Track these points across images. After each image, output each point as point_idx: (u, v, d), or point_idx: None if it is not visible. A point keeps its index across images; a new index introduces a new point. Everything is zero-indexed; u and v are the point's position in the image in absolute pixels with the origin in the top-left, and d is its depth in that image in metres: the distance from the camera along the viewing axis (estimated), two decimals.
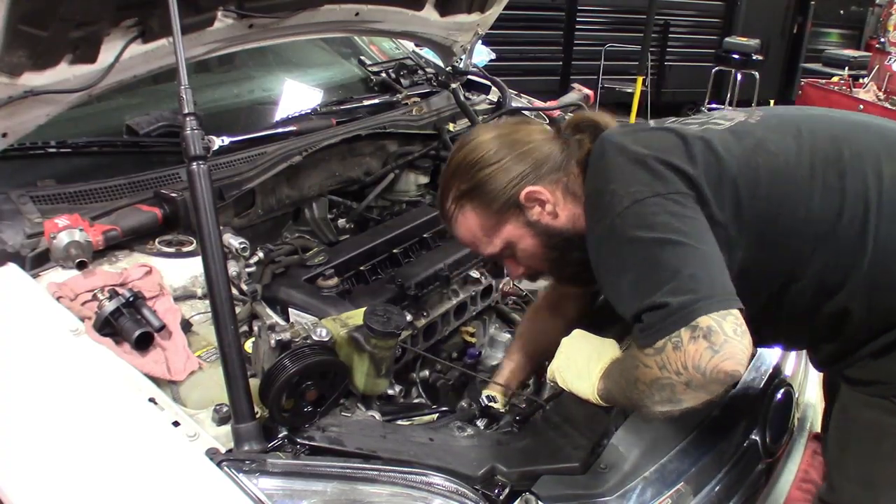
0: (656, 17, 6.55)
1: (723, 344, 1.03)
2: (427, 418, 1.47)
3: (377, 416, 1.37)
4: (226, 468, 1.07)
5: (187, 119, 1.23)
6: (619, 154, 1.23)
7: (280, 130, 2.01)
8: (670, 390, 1.09)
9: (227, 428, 1.16)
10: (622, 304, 1.16)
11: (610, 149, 1.26)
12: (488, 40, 3.70)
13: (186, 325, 1.40)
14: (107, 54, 1.53)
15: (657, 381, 1.10)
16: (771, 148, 1.24)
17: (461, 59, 2.54)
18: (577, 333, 1.41)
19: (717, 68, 6.87)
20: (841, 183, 1.20)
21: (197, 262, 1.49)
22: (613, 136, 1.30)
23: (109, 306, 1.30)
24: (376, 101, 2.33)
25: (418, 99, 2.38)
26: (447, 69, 2.55)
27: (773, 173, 1.21)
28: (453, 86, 2.39)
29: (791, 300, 1.25)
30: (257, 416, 1.15)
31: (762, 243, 1.21)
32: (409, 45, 2.76)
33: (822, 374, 1.65)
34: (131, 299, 1.32)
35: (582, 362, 1.34)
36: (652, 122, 1.38)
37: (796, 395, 1.76)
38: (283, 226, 1.96)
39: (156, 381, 1.24)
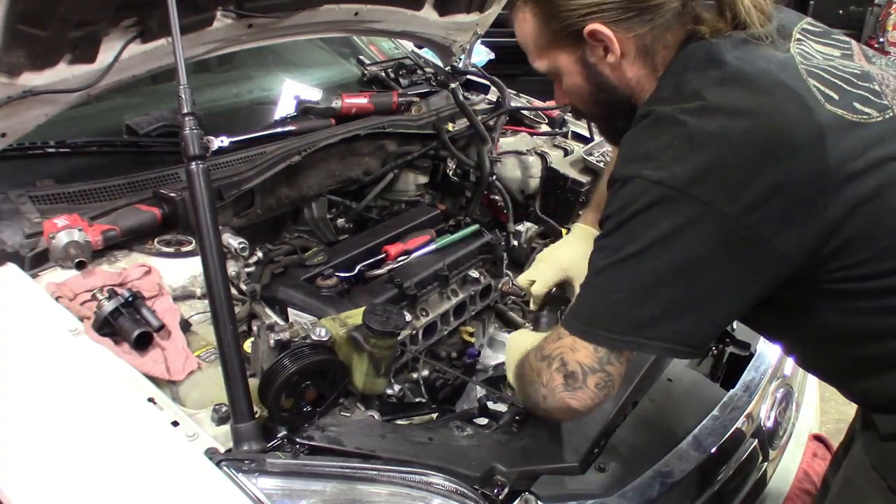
0: None
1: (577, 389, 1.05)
2: (426, 418, 1.47)
3: (376, 415, 1.37)
4: (225, 468, 1.07)
5: (186, 119, 1.23)
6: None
7: (279, 130, 2.01)
8: (534, 396, 1.12)
9: (226, 428, 1.16)
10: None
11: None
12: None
13: (186, 325, 1.40)
14: (106, 54, 1.53)
15: (531, 384, 1.13)
16: None
17: (460, 59, 2.54)
18: (518, 332, 1.43)
19: None
20: None
21: (196, 261, 1.49)
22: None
23: (108, 306, 1.30)
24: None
25: (417, 99, 2.38)
26: (446, 69, 2.54)
27: None
28: (452, 85, 2.38)
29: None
30: (256, 415, 1.15)
31: None
32: (409, 45, 2.76)
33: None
34: (130, 299, 1.32)
35: (510, 355, 1.34)
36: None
37: (796, 395, 1.76)
38: (283, 226, 1.96)
39: (155, 380, 1.24)
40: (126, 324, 1.29)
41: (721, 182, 0.95)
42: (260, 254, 1.65)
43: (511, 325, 1.88)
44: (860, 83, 1.05)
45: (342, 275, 1.66)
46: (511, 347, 1.38)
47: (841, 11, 7.61)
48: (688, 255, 0.97)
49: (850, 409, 1.29)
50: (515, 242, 2.06)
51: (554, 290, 1.51)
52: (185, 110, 1.24)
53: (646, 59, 1.10)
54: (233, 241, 1.56)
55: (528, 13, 1.15)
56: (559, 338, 1.08)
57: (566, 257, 1.50)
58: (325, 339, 1.27)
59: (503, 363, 1.59)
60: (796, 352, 1.29)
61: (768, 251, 0.96)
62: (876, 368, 1.09)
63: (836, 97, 1.01)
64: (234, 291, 1.47)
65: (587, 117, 1.31)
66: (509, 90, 2.52)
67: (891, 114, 1.03)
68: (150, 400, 1.18)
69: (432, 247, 1.82)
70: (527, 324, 1.81)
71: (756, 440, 1.54)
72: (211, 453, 1.10)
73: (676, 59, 1.08)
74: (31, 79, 1.44)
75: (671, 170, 0.96)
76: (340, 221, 2.02)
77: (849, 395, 1.21)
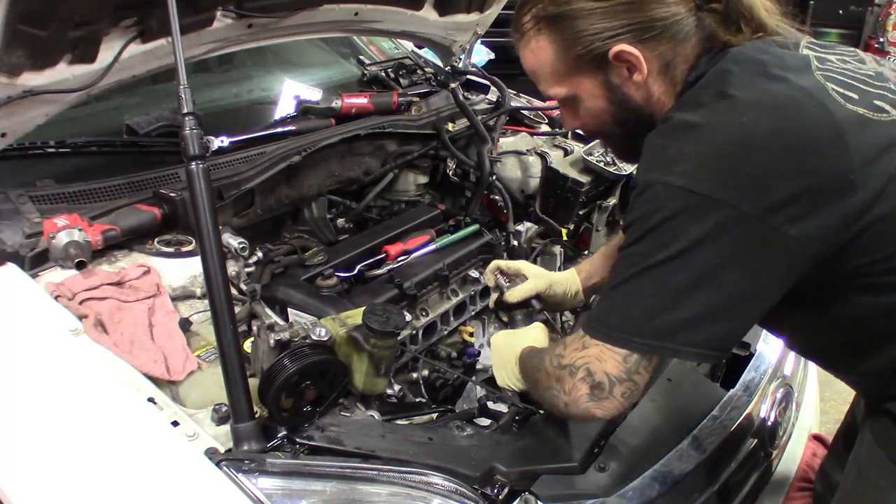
0: None
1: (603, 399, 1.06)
2: (426, 418, 1.47)
3: (376, 415, 1.37)
4: (225, 468, 1.07)
5: (186, 119, 1.23)
6: None
7: (279, 130, 2.01)
8: (554, 401, 1.13)
9: (226, 427, 1.16)
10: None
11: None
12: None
13: (185, 325, 1.40)
14: (106, 54, 1.53)
15: (548, 389, 1.13)
16: None
17: (460, 59, 2.54)
18: (501, 332, 1.46)
19: None
20: None
21: (196, 261, 1.49)
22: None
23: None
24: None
25: (417, 99, 2.38)
26: (446, 69, 2.54)
27: None
28: (452, 85, 2.38)
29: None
30: (256, 415, 1.15)
31: None
32: (409, 45, 2.76)
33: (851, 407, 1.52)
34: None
35: (501, 354, 1.38)
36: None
37: (796, 395, 1.76)
38: (283, 225, 1.96)
39: (155, 380, 1.24)
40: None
41: (746, 184, 0.95)
42: (260, 254, 1.65)
43: (510, 326, 1.88)
44: (877, 83, 1.07)
45: (342, 275, 1.66)
46: (499, 348, 1.40)
47: (841, 11, 7.61)
48: (719, 259, 0.97)
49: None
50: (515, 242, 2.06)
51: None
52: (185, 110, 1.24)
53: (667, 75, 1.11)
54: (233, 241, 1.56)
55: (543, 41, 1.13)
56: (583, 347, 1.07)
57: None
58: (325, 339, 1.27)
59: None
60: (802, 342, 1.29)
61: (796, 249, 0.98)
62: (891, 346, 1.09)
63: (856, 97, 1.03)
64: (234, 291, 1.47)
65: (601, 137, 1.31)
66: (509, 90, 2.52)
67: None
68: (150, 400, 1.18)
69: (432, 247, 1.82)
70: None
71: (756, 440, 1.54)
72: (211, 453, 1.10)
73: (696, 66, 1.09)
74: (31, 79, 1.44)
75: (695, 174, 0.96)
76: (340, 221, 2.02)
77: (858, 383, 1.21)
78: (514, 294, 1.54)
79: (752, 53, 1.06)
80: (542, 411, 1.38)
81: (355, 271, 1.69)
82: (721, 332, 1.02)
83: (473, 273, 1.82)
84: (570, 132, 2.51)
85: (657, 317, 1.01)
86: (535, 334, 1.40)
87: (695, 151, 0.98)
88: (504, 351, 1.38)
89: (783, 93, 1.00)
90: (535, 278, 1.56)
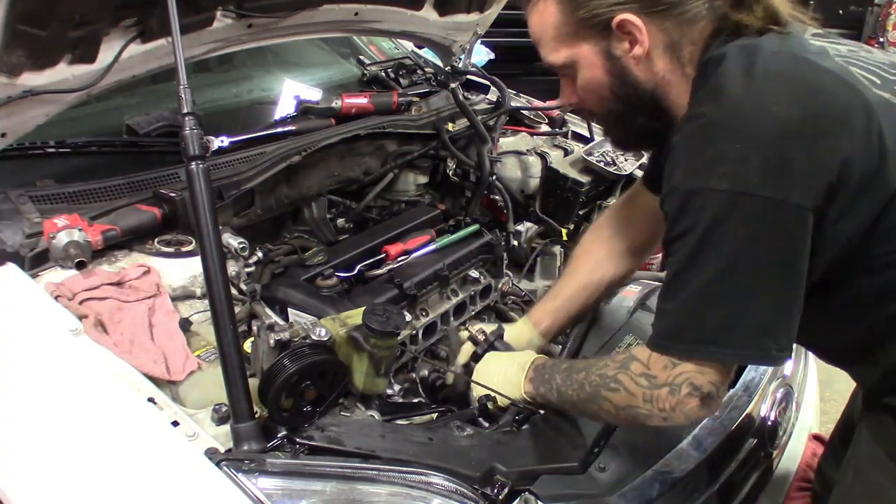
0: None
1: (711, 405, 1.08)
2: (426, 418, 1.47)
3: (376, 415, 1.37)
4: (225, 468, 1.07)
5: (186, 119, 1.23)
6: None
7: (279, 130, 2.01)
8: (643, 418, 1.13)
9: (226, 428, 1.16)
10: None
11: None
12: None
13: (185, 325, 1.40)
14: (106, 54, 1.53)
15: (632, 407, 1.13)
16: None
17: (460, 59, 2.54)
18: (490, 355, 1.45)
19: None
20: None
21: (196, 261, 1.49)
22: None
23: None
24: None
25: (417, 99, 2.38)
26: (446, 69, 2.54)
27: None
28: (452, 85, 2.38)
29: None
30: (256, 415, 1.15)
31: None
32: (409, 45, 2.76)
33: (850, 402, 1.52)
34: None
35: (501, 372, 1.38)
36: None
37: (796, 395, 1.76)
38: (283, 226, 1.96)
39: (155, 380, 1.24)
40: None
41: (788, 174, 0.95)
42: (260, 254, 1.65)
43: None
44: (893, 70, 1.08)
45: (342, 275, 1.66)
46: (501, 365, 1.40)
47: (841, 11, 7.61)
48: (778, 256, 0.97)
49: None
50: (515, 242, 2.06)
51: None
52: (185, 110, 1.24)
53: (672, 54, 1.09)
54: (233, 241, 1.56)
55: (550, 2, 1.11)
56: (673, 364, 1.07)
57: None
58: (325, 339, 1.27)
59: None
60: (808, 332, 1.28)
61: (834, 233, 0.98)
62: None
63: (878, 81, 1.03)
64: (234, 291, 1.47)
65: (597, 117, 1.28)
66: (509, 90, 2.52)
67: None
68: (150, 400, 1.18)
69: (432, 247, 1.82)
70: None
71: (756, 440, 1.54)
72: (211, 453, 1.10)
73: (713, 57, 1.06)
74: (31, 79, 1.44)
75: (737, 175, 0.95)
76: (340, 221, 2.02)
77: (862, 375, 1.20)
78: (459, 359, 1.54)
79: (770, 39, 1.04)
80: (542, 411, 1.38)
81: (355, 272, 1.69)
82: (790, 330, 1.02)
83: (473, 273, 1.82)
84: (569, 132, 2.51)
85: (734, 326, 1.00)
86: (525, 358, 1.40)
87: (733, 151, 0.96)
88: (506, 367, 1.38)
89: (810, 75, 1.00)
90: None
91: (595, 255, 1.58)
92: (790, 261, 0.98)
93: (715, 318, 1.01)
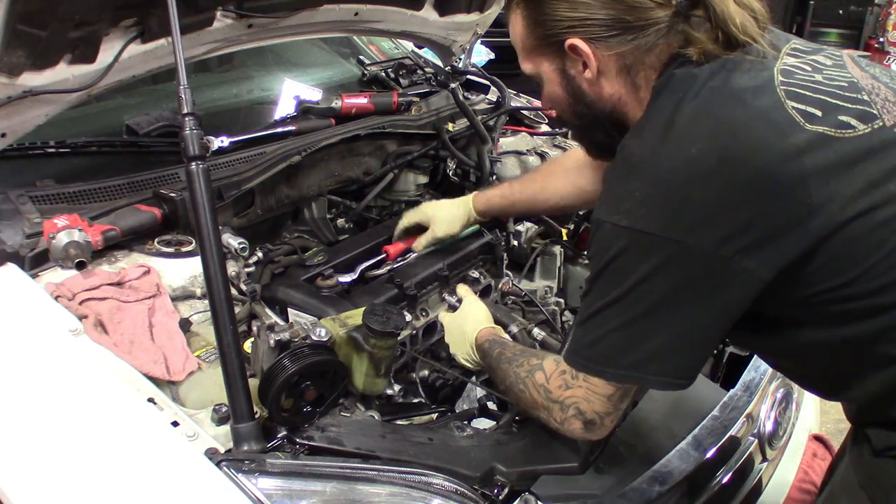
0: None
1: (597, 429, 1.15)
2: (426, 418, 1.47)
3: (376, 415, 1.37)
4: (225, 468, 1.07)
5: (186, 119, 1.23)
6: None
7: (279, 130, 2.01)
8: (543, 421, 1.21)
9: (226, 428, 1.16)
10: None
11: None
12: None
13: (185, 325, 1.40)
14: (106, 54, 1.53)
15: (534, 409, 1.21)
16: None
17: (460, 59, 2.54)
18: (446, 315, 1.58)
19: None
20: None
21: (196, 261, 1.49)
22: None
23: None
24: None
25: (417, 99, 2.38)
26: (446, 69, 2.54)
27: None
28: (452, 85, 2.38)
29: None
30: (256, 416, 1.15)
31: None
32: (409, 45, 2.76)
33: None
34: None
35: (454, 337, 1.50)
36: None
37: (796, 395, 1.76)
38: (283, 226, 1.96)
39: (155, 381, 1.24)
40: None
41: (693, 219, 0.95)
42: (260, 254, 1.65)
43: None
44: (847, 94, 1.03)
45: (343, 280, 1.66)
46: (450, 330, 1.54)
47: (841, 11, 7.62)
48: (673, 293, 0.99)
49: None
50: (515, 242, 2.06)
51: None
52: (185, 110, 1.24)
53: (626, 78, 1.10)
54: (233, 241, 1.56)
55: (518, 15, 1.15)
56: (566, 386, 1.13)
57: (431, 206, 1.78)
58: (325, 339, 1.27)
59: None
60: (784, 369, 1.31)
61: (750, 278, 0.97)
62: (865, 377, 1.08)
63: (818, 114, 0.99)
64: (234, 291, 1.46)
65: (565, 125, 1.35)
66: (509, 90, 2.52)
67: (880, 124, 1.01)
68: (150, 400, 1.18)
69: (432, 247, 1.82)
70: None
71: (756, 440, 1.54)
72: (211, 453, 1.10)
73: (659, 84, 1.06)
74: (31, 79, 1.44)
75: (639, 213, 0.97)
76: (340, 221, 2.02)
77: (846, 409, 1.20)
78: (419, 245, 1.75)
79: (711, 70, 1.02)
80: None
81: (356, 276, 1.69)
82: (686, 361, 1.06)
83: (473, 273, 1.82)
84: (570, 132, 2.51)
85: (625, 350, 1.04)
86: (476, 315, 1.50)
87: (639, 189, 0.98)
88: (454, 333, 1.51)
89: (736, 118, 0.97)
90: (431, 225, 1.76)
91: (554, 179, 1.71)
92: (686, 299, 0.99)
93: (606, 342, 1.05)
